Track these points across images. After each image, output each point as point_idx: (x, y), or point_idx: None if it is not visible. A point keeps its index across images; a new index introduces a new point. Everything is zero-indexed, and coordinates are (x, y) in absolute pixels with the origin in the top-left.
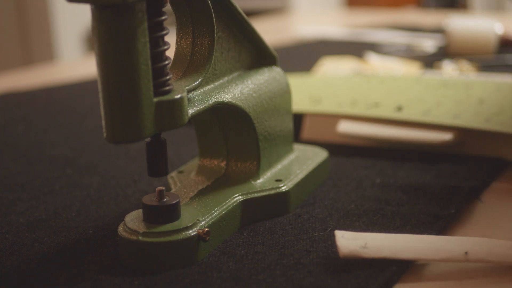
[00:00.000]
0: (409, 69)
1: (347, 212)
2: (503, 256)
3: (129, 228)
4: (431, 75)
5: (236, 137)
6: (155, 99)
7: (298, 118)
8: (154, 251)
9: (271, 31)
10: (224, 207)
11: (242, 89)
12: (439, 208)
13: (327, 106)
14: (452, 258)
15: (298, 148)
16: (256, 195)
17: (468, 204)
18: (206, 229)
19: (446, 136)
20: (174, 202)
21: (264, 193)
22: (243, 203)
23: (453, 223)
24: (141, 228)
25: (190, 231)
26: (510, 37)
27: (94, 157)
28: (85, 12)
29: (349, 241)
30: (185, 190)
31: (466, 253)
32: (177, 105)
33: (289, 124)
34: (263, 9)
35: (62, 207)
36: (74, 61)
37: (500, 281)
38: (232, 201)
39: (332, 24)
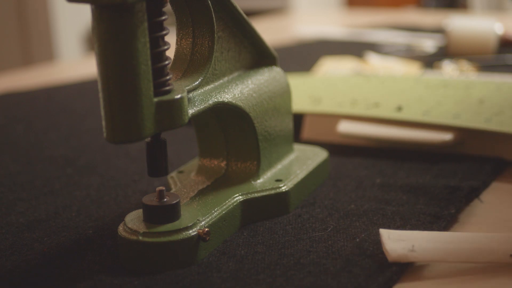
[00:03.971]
0: (409, 69)
1: (347, 212)
2: None
3: (129, 228)
4: (431, 75)
5: (236, 137)
6: (155, 99)
7: (298, 118)
8: (154, 251)
9: (271, 31)
10: (224, 207)
11: (242, 89)
12: (439, 208)
13: (327, 106)
14: (497, 259)
15: (298, 148)
16: (256, 195)
17: (468, 204)
18: (206, 229)
19: (446, 136)
20: (174, 202)
21: (264, 193)
22: (243, 203)
23: (453, 223)
24: (141, 228)
25: (190, 231)
26: (510, 37)
27: (94, 157)
28: (85, 12)
29: (396, 243)
30: (185, 190)
31: (511, 255)
32: (177, 105)
33: (289, 124)
34: (263, 9)
35: (62, 207)
36: (74, 61)
37: (501, 280)
38: (232, 201)
39: (332, 24)
